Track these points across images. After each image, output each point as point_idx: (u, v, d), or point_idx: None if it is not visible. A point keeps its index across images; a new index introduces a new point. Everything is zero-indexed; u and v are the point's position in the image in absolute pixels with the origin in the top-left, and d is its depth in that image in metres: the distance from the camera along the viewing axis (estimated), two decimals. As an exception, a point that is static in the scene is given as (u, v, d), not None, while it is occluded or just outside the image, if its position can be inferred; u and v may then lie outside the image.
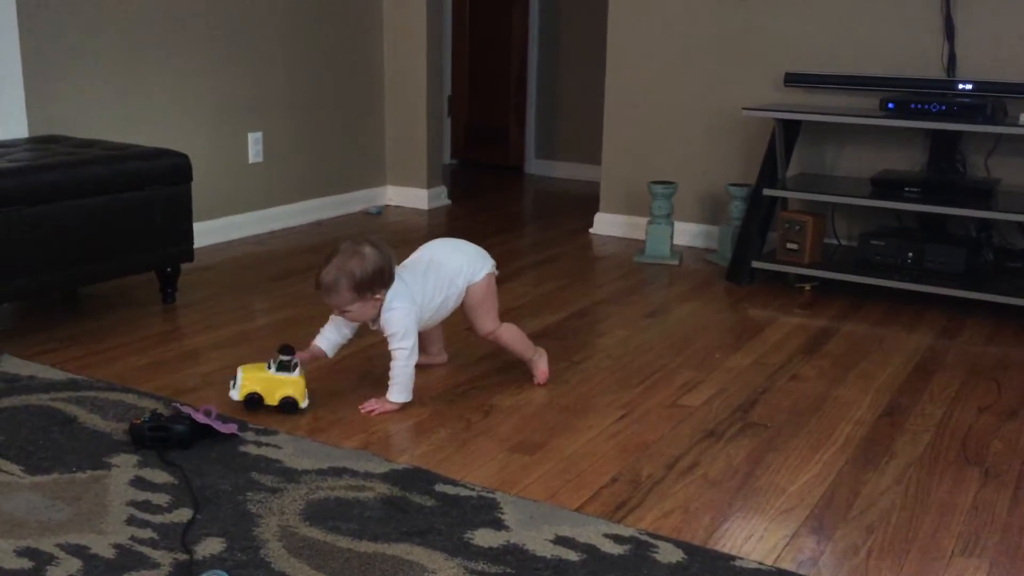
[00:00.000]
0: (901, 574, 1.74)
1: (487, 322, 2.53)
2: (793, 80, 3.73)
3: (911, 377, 2.72)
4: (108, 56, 3.54)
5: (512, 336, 2.57)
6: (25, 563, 1.67)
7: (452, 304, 2.49)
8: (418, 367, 2.43)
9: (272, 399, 2.32)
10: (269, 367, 2.33)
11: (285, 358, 2.33)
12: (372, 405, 2.37)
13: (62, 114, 3.41)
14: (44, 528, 1.79)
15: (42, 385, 2.45)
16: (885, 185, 3.51)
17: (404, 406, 2.40)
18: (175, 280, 3.20)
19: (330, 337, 2.44)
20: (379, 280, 2.31)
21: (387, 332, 2.36)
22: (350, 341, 2.50)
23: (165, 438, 2.11)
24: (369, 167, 4.90)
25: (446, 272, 2.45)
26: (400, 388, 2.38)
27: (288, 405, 2.32)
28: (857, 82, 3.65)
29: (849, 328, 3.16)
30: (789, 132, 3.72)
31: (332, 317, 2.42)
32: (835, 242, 3.85)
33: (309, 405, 2.36)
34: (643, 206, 4.21)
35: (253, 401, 2.32)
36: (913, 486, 2.07)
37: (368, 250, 2.30)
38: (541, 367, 2.60)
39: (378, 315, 2.36)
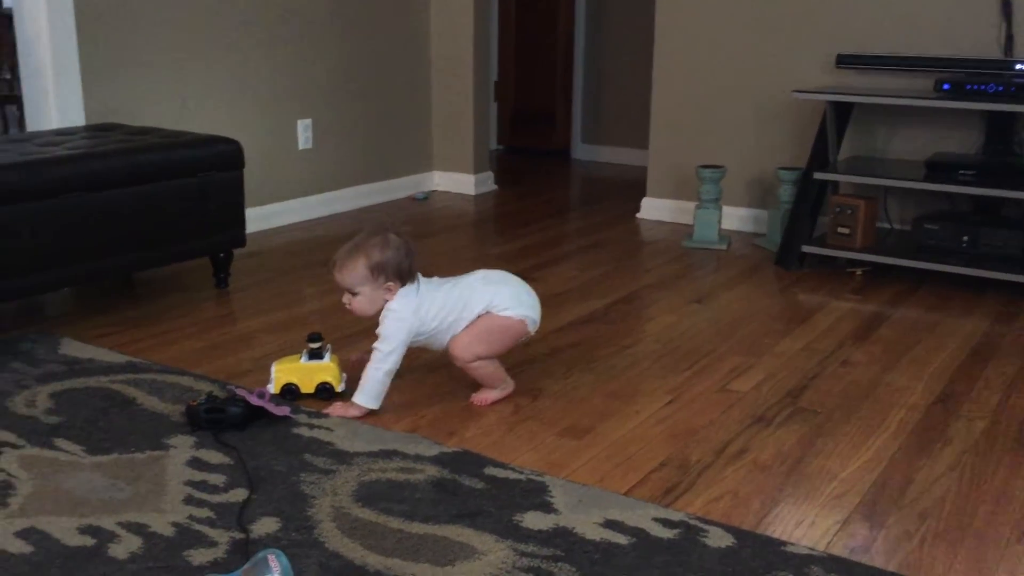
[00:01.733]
0: (956, 562, 1.72)
1: (464, 350, 2.28)
2: (845, 61, 3.67)
3: (966, 363, 2.67)
4: (162, 46, 3.60)
5: (488, 370, 2.33)
6: (88, 540, 1.72)
7: (459, 329, 2.29)
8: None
9: (309, 387, 2.34)
10: (301, 358, 2.36)
11: (315, 346, 2.35)
12: (336, 409, 2.26)
13: (118, 102, 3.47)
14: (105, 506, 1.84)
15: (101, 368, 2.51)
16: (939, 168, 3.44)
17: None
18: (228, 265, 3.25)
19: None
20: (396, 269, 2.21)
21: (379, 330, 2.26)
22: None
23: (220, 420, 2.16)
24: (416, 153, 4.93)
25: (472, 294, 2.28)
26: (367, 392, 2.24)
27: (324, 391, 2.34)
28: (911, 63, 3.58)
29: (902, 313, 3.11)
30: (841, 114, 3.66)
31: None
32: (887, 226, 3.79)
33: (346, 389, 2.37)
34: (691, 190, 4.18)
35: (290, 392, 2.33)
36: (968, 473, 2.05)
37: (393, 237, 2.24)
38: (490, 395, 2.35)
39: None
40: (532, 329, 2.34)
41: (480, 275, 2.37)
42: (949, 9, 3.61)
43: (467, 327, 2.29)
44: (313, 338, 2.36)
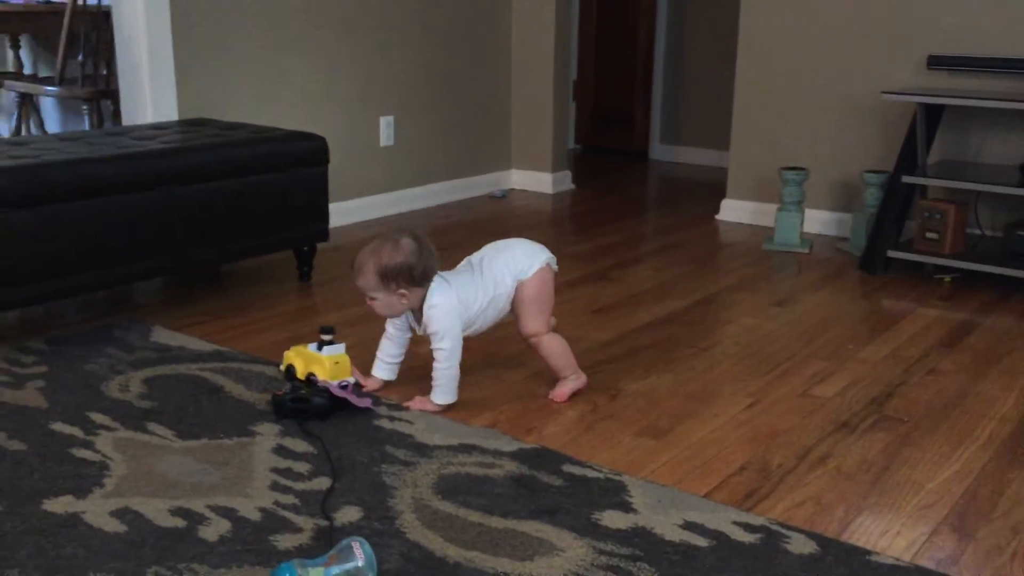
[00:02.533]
0: (1049, 578, 1.67)
1: (532, 322, 2.32)
2: (937, 63, 3.58)
3: (1060, 375, 2.59)
4: (251, 44, 3.69)
5: (555, 347, 2.36)
6: (179, 522, 1.78)
7: (503, 304, 2.32)
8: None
9: (300, 374, 2.39)
10: (310, 347, 2.38)
11: (327, 338, 2.36)
12: (415, 403, 2.30)
13: (209, 98, 3.57)
14: (195, 489, 1.89)
15: (191, 355, 2.58)
16: (1035, 173, 3.33)
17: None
18: (311, 259, 3.31)
19: (388, 358, 2.40)
20: (406, 274, 2.20)
21: (429, 331, 2.27)
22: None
23: (304, 410, 2.20)
24: (495, 151, 4.96)
25: (494, 270, 2.31)
26: (443, 390, 2.28)
27: (309, 382, 2.35)
28: (1005, 65, 3.47)
29: (992, 322, 3.02)
30: (931, 117, 3.57)
31: (385, 334, 2.38)
32: (978, 232, 3.68)
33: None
34: (772, 192, 4.12)
35: (293, 376, 2.39)
36: (1063, 488, 1.98)
37: (406, 241, 2.22)
38: (566, 388, 2.38)
39: (420, 315, 2.27)
40: (555, 266, 2.38)
41: (487, 253, 2.36)
42: (1049, 9, 3.50)
43: (521, 303, 2.31)
44: (326, 330, 2.38)
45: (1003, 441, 2.19)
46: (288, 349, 2.45)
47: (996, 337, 2.88)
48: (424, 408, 2.29)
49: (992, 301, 3.23)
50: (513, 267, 2.31)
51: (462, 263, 2.38)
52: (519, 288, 2.31)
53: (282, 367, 2.44)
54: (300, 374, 2.39)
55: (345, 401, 2.24)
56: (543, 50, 4.81)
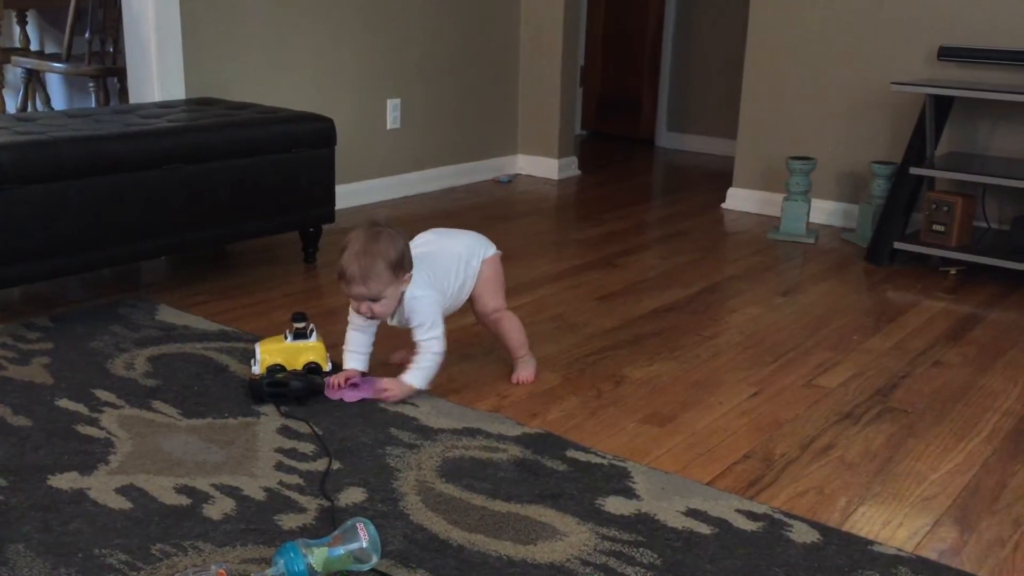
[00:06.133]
0: (1051, 571, 1.67)
1: (494, 299, 2.35)
2: (948, 54, 3.56)
3: (1065, 369, 2.59)
4: (260, 24, 3.68)
5: (516, 323, 2.39)
6: (184, 500, 1.78)
7: (469, 286, 2.33)
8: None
9: (295, 367, 2.27)
10: (286, 337, 2.29)
11: (300, 325, 2.30)
12: (389, 387, 2.21)
13: (216, 78, 3.56)
14: (200, 468, 1.90)
15: (196, 335, 2.59)
16: (1044, 167, 3.32)
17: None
18: (317, 240, 3.31)
19: (360, 349, 2.29)
20: (408, 258, 2.17)
21: (414, 323, 2.22)
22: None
23: (282, 394, 2.18)
24: (501, 136, 4.94)
25: (459, 254, 2.30)
26: (425, 375, 2.23)
27: (311, 371, 2.28)
28: (1017, 57, 3.45)
29: (997, 315, 3.02)
30: (940, 109, 3.55)
31: (352, 326, 2.28)
32: (985, 225, 3.67)
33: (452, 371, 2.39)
34: (778, 182, 4.11)
35: (275, 374, 2.23)
36: (1065, 482, 1.98)
37: (388, 230, 2.16)
38: (527, 370, 2.40)
39: (398, 306, 2.21)
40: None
41: (431, 239, 2.35)
42: (1061, 2, 3.48)
43: (482, 283, 2.34)
44: (298, 318, 2.31)
45: (1007, 434, 2.19)
46: (259, 347, 2.27)
47: (1001, 330, 2.88)
48: (395, 393, 2.20)
49: (998, 294, 3.23)
50: (476, 249, 2.34)
51: (417, 251, 2.27)
52: (482, 268, 2.34)
53: (259, 369, 2.24)
54: (293, 366, 2.26)
55: (323, 385, 2.22)
56: (551, 36, 4.79)
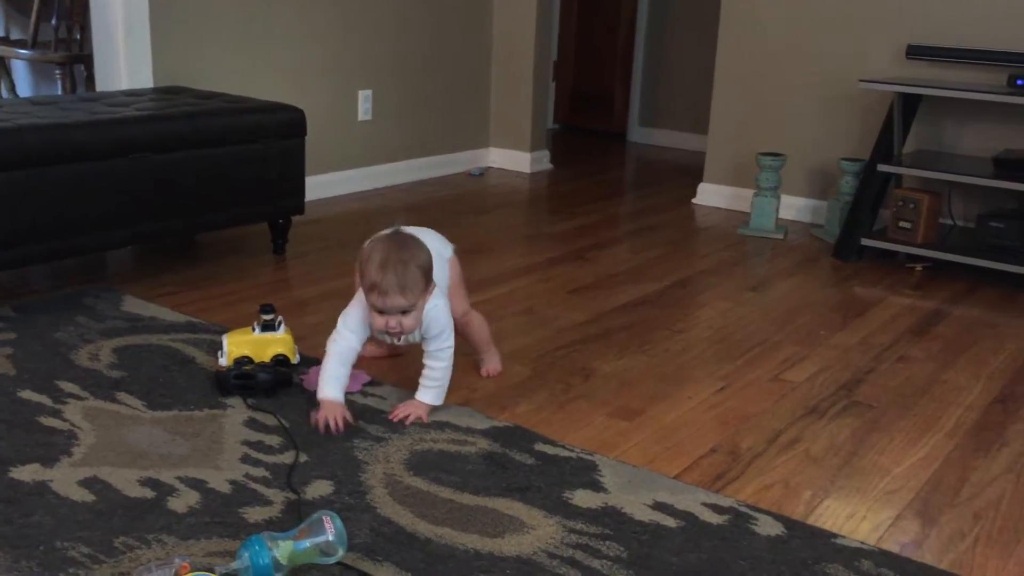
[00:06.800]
0: (1009, 563, 1.70)
1: (461, 303, 2.26)
2: (916, 52, 3.60)
3: (1026, 365, 2.63)
4: (229, 12, 3.64)
5: (483, 324, 2.34)
6: (148, 492, 1.76)
7: (444, 288, 2.21)
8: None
9: (263, 359, 2.25)
10: (254, 329, 2.27)
11: (268, 317, 2.26)
12: (407, 411, 2.11)
13: (185, 66, 3.52)
14: (165, 460, 1.88)
15: (162, 326, 2.56)
16: (1008, 165, 3.36)
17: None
18: (286, 232, 3.29)
19: (340, 379, 2.07)
20: (435, 263, 2.08)
21: (433, 332, 2.09)
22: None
23: (250, 386, 2.17)
24: (473, 129, 4.93)
25: (439, 253, 2.16)
26: (442, 391, 2.14)
27: (279, 363, 2.25)
28: (984, 56, 3.50)
29: (961, 312, 3.06)
30: (908, 106, 3.59)
31: (328, 356, 2.07)
32: (950, 222, 3.72)
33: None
34: (748, 177, 4.14)
35: (243, 366, 2.21)
36: (1025, 476, 2.01)
37: (409, 234, 2.06)
38: (495, 362, 2.38)
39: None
40: None
41: (408, 234, 2.12)
42: (1027, 2, 3.52)
43: (450, 293, 2.21)
44: (266, 310, 2.27)
45: (968, 429, 2.22)
46: (227, 339, 2.25)
47: (965, 326, 2.92)
48: (419, 415, 2.11)
49: (962, 291, 3.27)
50: (442, 250, 2.21)
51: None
52: (448, 270, 2.23)
53: (227, 361, 2.22)
54: (261, 358, 2.24)
55: (290, 377, 2.21)
56: (524, 29, 4.79)
